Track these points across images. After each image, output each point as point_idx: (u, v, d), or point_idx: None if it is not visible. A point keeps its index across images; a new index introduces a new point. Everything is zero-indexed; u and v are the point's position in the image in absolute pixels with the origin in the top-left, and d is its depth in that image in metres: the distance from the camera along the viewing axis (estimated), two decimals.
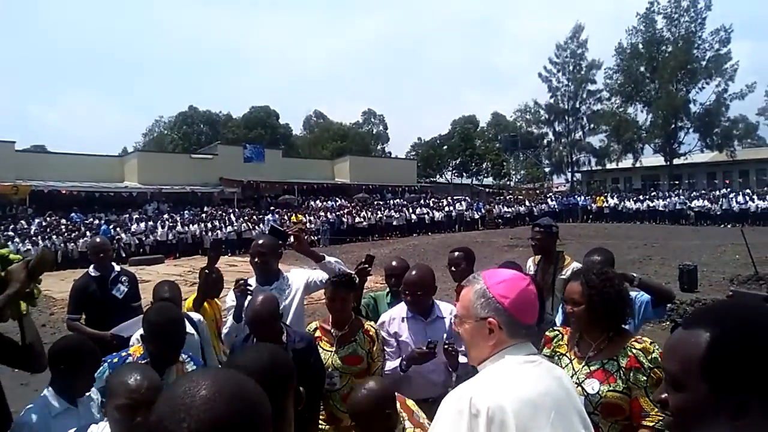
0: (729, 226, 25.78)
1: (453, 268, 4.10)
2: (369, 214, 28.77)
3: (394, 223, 28.94)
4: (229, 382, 0.91)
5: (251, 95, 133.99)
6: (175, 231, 24.01)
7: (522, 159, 53.11)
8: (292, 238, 4.02)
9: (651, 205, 31.18)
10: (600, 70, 43.18)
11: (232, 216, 26.73)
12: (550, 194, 39.77)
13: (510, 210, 32.79)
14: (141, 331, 3.40)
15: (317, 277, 3.77)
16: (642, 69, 40.53)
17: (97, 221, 25.18)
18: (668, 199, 30.92)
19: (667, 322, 6.78)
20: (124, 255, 20.67)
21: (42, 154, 36.45)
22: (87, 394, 2.62)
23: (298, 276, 3.88)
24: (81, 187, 29.25)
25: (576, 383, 2.19)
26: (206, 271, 4.18)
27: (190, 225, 24.67)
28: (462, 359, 3.03)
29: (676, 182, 38.94)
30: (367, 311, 3.83)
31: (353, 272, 3.50)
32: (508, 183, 53.72)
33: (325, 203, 32.74)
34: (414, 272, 3.35)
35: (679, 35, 38.55)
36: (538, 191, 43.85)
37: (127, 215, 26.54)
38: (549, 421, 1.46)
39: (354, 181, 38.66)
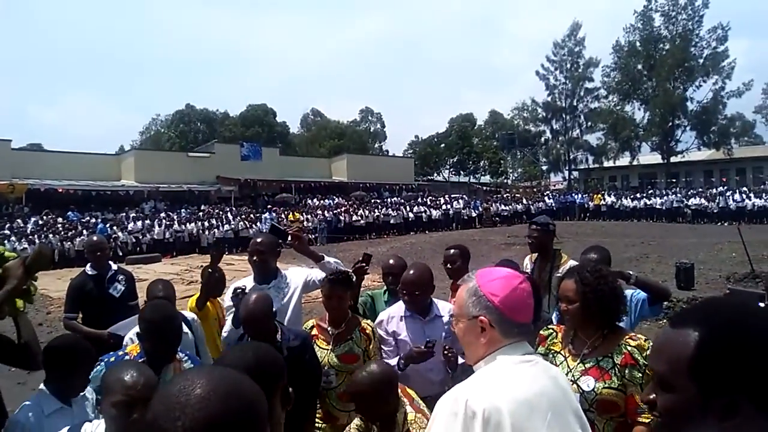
0: (726, 224, 25.81)
1: (448, 266, 4.11)
2: (366, 212, 28.78)
3: (392, 221, 28.92)
4: (224, 380, 0.91)
5: (248, 93, 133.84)
6: (172, 229, 23.97)
7: (519, 157, 53.16)
8: (291, 238, 4.01)
9: (648, 203, 31.27)
10: (597, 68, 43.39)
11: (229, 214, 26.69)
12: (548, 192, 39.83)
13: (507, 208, 32.82)
14: (135, 330, 3.40)
15: (316, 276, 3.77)
16: (639, 67, 40.55)
17: (93, 220, 25.09)
18: (665, 197, 30.99)
19: (664, 320, 6.79)
20: (121, 254, 20.64)
21: (38, 152, 36.25)
22: (81, 393, 2.61)
23: (297, 274, 3.88)
24: (78, 185, 29.11)
25: (571, 380, 2.20)
26: (209, 270, 4.18)
27: (187, 223, 24.62)
28: (461, 359, 3.04)
29: (674, 180, 39.00)
30: (364, 309, 3.83)
31: (350, 270, 3.50)
32: (505, 181, 53.76)
33: (322, 201, 32.71)
34: (412, 271, 3.34)
35: (677, 33, 38.60)
36: (535, 189, 43.92)
37: (124, 214, 26.44)
38: (545, 421, 1.46)
39: (351, 180, 38.62)
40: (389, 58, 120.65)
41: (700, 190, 32.49)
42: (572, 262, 3.95)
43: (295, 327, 3.48)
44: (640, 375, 2.21)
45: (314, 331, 3.31)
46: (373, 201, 32.93)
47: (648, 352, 2.24)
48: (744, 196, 28.59)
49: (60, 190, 28.18)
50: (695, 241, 19.20)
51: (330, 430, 3.18)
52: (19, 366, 2.98)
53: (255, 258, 3.73)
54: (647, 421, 2.15)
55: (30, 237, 20.85)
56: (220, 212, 27.32)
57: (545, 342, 2.54)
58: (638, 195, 32.86)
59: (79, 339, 2.82)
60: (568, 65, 44.36)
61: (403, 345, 3.26)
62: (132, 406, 1.87)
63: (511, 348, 1.58)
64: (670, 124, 39.13)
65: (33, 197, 27.25)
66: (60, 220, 24.72)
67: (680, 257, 13.02)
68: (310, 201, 33.18)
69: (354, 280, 3.45)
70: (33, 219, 24.33)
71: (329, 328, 3.25)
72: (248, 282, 3.82)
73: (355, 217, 27.89)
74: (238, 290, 3.57)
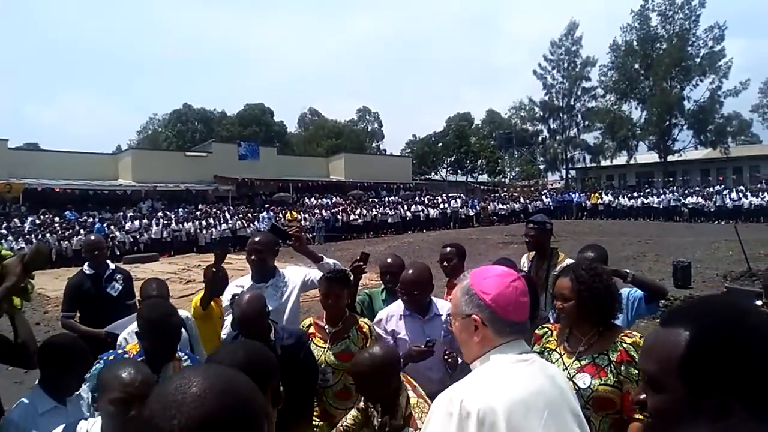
0: (722, 222, 25.90)
1: (444, 263, 4.12)
2: (364, 211, 28.77)
3: (389, 220, 28.93)
4: (220, 378, 0.91)
5: (246, 93, 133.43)
6: (170, 229, 23.93)
7: (517, 156, 53.14)
8: (291, 238, 4.01)
9: (645, 202, 31.36)
10: (594, 68, 43.33)
11: (226, 214, 26.68)
12: (545, 191, 39.87)
13: (505, 207, 32.83)
14: (129, 329, 3.39)
15: (314, 275, 3.77)
16: (636, 66, 40.61)
17: (91, 219, 25.04)
18: (662, 196, 31.07)
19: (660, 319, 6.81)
20: (118, 253, 20.61)
21: (35, 152, 36.16)
22: (76, 393, 2.60)
23: (295, 273, 3.89)
24: (75, 185, 29.07)
25: (567, 378, 2.20)
26: (213, 269, 4.17)
27: (185, 223, 24.58)
28: (460, 359, 3.04)
29: (671, 179, 39.10)
30: (362, 308, 3.83)
31: (348, 269, 3.51)
32: (503, 180, 53.76)
33: (320, 201, 32.70)
34: (411, 271, 3.33)
35: (674, 32, 38.66)
36: (532, 188, 43.98)
37: (122, 213, 26.41)
38: (541, 421, 1.46)
39: (349, 179, 38.61)
40: (387, 58, 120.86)
41: (697, 188, 32.56)
42: (569, 261, 3.95)
43: (293, 326, 3.48)
44: (636, 372, 2.22)
45: (312, 330, 3.32)
46: (370, 200, 32.95)
47: None
48: (741, 194, 28.65)
49: (57, 190, 28.15)
50: (692, 239, 19.25)
51: (327, 428, 3.17)
52: (16, 365, 2.97)
53: (253, 257, 3.74)
54: (643, 417, 2.16)
55: (27, 236, 20.80)
56: (218, 211, 27.30)
57: (540, 341, 2.55)
58: (635, 194, 32.95)
59: (75, 338, 2.82)
60: (566, 64, 44.35)
61: (403, 344, 3.26)
62: (129, 403, 1.87)
63: (507, 347, 1.58)
64: (667, 123, 39.21)
65: (30, 197, 27.22)
66: (57, 219, 24.69)
67: (677, 256, 13.06)
68: (307, 200, 33.17)
69: (351, 278, 3.45)
70: (30, 218, 24.27)
71: (326, 327, 3.25)
72: (246, 281, 3.82)
73: (352, 216, 27.89)
74: (236, 296, 3.57)
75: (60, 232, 22.03)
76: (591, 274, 2.37)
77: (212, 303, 4.24)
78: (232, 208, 29.07)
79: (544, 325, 2.65)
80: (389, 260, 3.94)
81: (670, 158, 39.82)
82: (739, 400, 0.91)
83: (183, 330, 3.60)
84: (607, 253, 3.70)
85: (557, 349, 2.45)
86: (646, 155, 42.19)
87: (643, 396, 1.04)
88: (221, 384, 0.89)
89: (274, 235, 4.07)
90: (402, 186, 40.00)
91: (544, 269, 4.09)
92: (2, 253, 2.59)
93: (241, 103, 60.05)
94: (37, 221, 24.02)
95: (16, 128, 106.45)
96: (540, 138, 48.65)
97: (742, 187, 30.62)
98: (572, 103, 45.18)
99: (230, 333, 3.52)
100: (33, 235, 21.04)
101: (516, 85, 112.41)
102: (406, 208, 30.22)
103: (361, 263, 3.72)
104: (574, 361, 2.35)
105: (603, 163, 43.83)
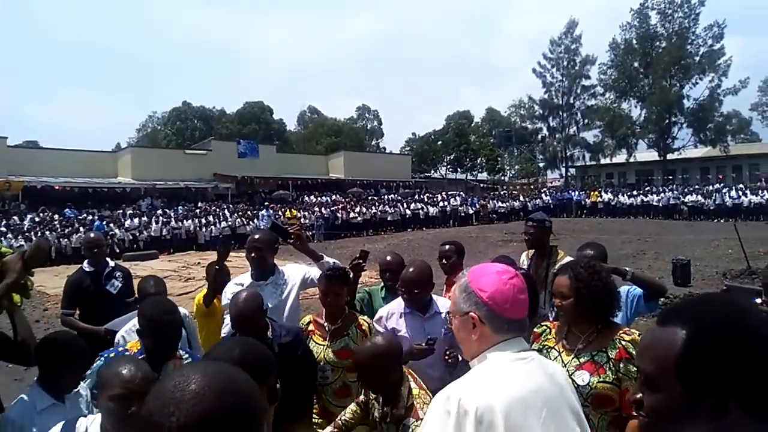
0: (722, 220, 25.91)
1: (443, 261, 4.13)
2: (363, 209, 28.75)
3: (389, 218, 28.88)
4: (219, 375, 0.91)
5: (245, 91, 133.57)
6: (169, 226, 23.91)
7: (516, 154, 53.14)
8: (292, 236, 4.01)
9: (645, 200, 31.33)
10: (594, 66, 43.41)
11: (226, 211, 26.64)
12: (545, 189, 39.91)
13: (504, 205, 32.82)
14: (127, 327, 3.39)
15: (314, 273, 3.77)
16: (636, 64, 40.63)
17: (90, 217, 25.02)
18: (662, 194, 31.06)
19: None
20: (117, 251, 20.56)
21: (35, 149, 36.10)
22: (75, 390, 2.60)
23: (295, 271, 3.89)
24: (74, 182, 29.07)
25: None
26: (216, 267, 4.17)
27: (184, 220, 24.56)
28: (461, 357, 3.04)
29: (670, 177, 39.14)
30: (361, 306, 3.83)
31: (347, 267, 3.51)
32: (502, 178, 53.79)
33: (319, 198, 32.68)
34: (411, 269, 3.33)
35: (673, 31, 38.69)
36: (532, 186, 44.01)
37: (121, 211, 26.37)
38: (540, 419, 1.45)
39: (348, 177, 38.61)
40: (386, 56, 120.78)
41: (697, 187, 32.51)
42: (569, 259, 3.95)
43: (293, 323, 3.48)
44: (635, 369, 2.22)
45: (311, 327, 3.32)
46: (370, 198, 32.95)
47: None
48: (740, 193, 28.62)
49: (57, 188, 28.15)
50: (692, 237, 19.25)
51: (326, 426, 3.18)
52: (15, 362, 2.97)
53: (253, 255, 3.74)
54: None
55: (27, 234, 20.78)
56: (217, 209, 27.27)
57: (539, 338, 2.55)
58: (635, 192, 32.94)
59: (73, 336, 2.82)
60: (565, 63, 44.36)
61: (403, 342, 3.26)
62: (129, 400, 1.88)
63: (506, 344, 1.58)
64: (667, 121, 39.24)
65: (29, 194, 27.22)
66: (57, 217, 24.65)
67: (677, 254, 13.05)
68: (307, 198, 33.14)
69: (350, 276, 3.45)
70: (29, 216, 24.24)
71: (326, 324, 3.26)
72: (246, 279, 3.82)
73: (352, 214, 27.88)
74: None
75: (59, 230, 22.00)
76: (590, 272, 2.37)
77: (215, 301, 4.24)
78: (231, 206, 29.04)
79: (542, 324, 2.66)
80: (389, 258, 3.94)
81: (669, 156, 39.85)
82: (736, 400, 0.90)
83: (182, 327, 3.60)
84: (607, 251, 3.70)
85: (556, 347, 2.45)
86: (645, 153, 42.23)
87: (639, 395, 1.03)
88: (220, 381, 0.90)
89: (273, 233, 4.07)
90: (401, 184, 39.97)
91: (543, 267, 4.09)
92: (2, 251, 2.59)
93: (241, 101, 60.30)
94: (37, 219, 23.98)
95: (15, 126, 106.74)
96: (539, 136, 48.72)
97: (741, 186, 30.59)
98: (572, 101, 45.21)
99: (230, 331, 3.52)
100: (32, 233, 21.02)
101: (515, 83, 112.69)
102: (405, 206, 30.21)
103: (361, 261, 3.72)
104: (572, 358, 2.35)
105: (602, 161, 43.89)
